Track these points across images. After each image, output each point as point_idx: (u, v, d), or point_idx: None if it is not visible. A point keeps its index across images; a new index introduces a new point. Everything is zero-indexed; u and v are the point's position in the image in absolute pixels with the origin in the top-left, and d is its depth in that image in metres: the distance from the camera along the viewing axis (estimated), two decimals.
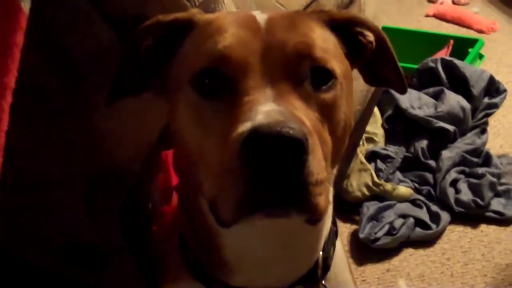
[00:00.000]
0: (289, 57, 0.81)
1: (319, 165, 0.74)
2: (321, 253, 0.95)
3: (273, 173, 0.70)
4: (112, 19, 1.02)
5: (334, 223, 1.00)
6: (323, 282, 0.97)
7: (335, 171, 0.92)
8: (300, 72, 0.81)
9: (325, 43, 0.85)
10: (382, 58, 0.97)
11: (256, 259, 0.90)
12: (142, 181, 1.19)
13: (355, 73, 0.95)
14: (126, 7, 1.02)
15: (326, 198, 0.76)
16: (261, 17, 0.86)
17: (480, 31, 3.46)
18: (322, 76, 0.82)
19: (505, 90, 2.67)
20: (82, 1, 1.00)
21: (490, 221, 2.15)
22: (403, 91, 1.02)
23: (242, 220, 0.75)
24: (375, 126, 2.43)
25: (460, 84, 2.57)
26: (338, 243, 1.02)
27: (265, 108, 0.73)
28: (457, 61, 2.61)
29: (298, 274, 0.93)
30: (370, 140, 2.40)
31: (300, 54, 0.81)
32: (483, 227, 2.14)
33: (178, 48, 0.90)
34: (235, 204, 0.73)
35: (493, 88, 2.65)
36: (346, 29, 0.92)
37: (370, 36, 0.94)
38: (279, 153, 0.69)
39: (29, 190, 1.13)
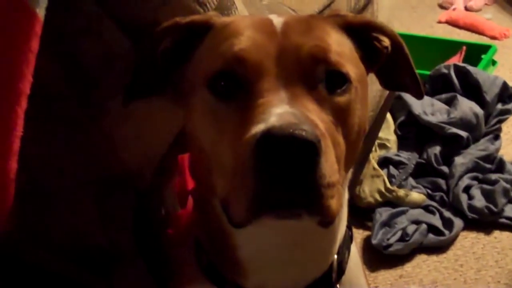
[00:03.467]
0: (304, 61, 0.81)
1: (331, 168, 0.74)
2: (335, 256, 0.95)
3: (285, 174, 0.71)
4: (125, 26, 1.03)
5: (349, 228, 1.00)
6: (337, 286, 0.96)
7: (349, 174, 0.92)
8: (315, 76, 0.81)
9: (340, 47, 0.86)
10: (399, 63, 0.97)
11: (270, 261, 0.90)
12: (155, 186, 1.19)
13: (368, 78, 0.95)
14: (139, 14, 1.02)
15: (338, 201, 0.76)
16: (277, 20, 0.87)
17: (493, 37, 3.45)
18: (337, 79, 0.83)
19: None
20: (95, 8, 1.00)
21: (503, 227, 2.14)
22: (419, 96, 1.02)
23: (254, 221, 0.75)
24: (388, 132, 2.42)
25: (473, 90, 2.56)
26: (353, 248, 1.02)
27: (278, 110, 0.74)
28: (470, 67, 2.60)
29: (312, 277, 0.93)
30: (382, 146, 2.40)
31: (315, 58, 0.82)
32: (496, 233, 2.13)
33: (194, 51, 0.90)
34: (247, 204, 0.74)
35: (506, 94, 2.64)
36: (362, 33, 0.93)
37: (386, 42, 0.94)
38: (291, 154, 0.70)
39: (41, 194, 1.13)
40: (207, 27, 0.91)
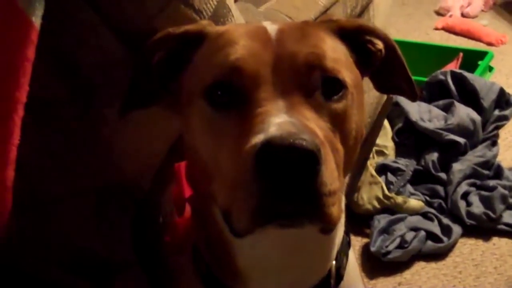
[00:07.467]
0: (300, 68, 0.81)
1: (331, 175, 0.74)
2: (333, 262, 0.95)
3: (287, 184, 0.71)
4: (122, 33, 1.03)
5: (347, 233, 1.00)
6: None
7: (346, 179, 0.92)
8: (311, 83, 0.81)
9: (335, 53, 0.85)
10: (392, 65, 0.97)
11: (269, 268, 0.90)
12: (152, 194, 1.19)
13: (365, 85, 0.95)
14: (135, 21, 1.02)
15: (339, 207, 0.76)
16: (271, 28, 0.86)
17: (489, 44, 3.46)
18: (333, 86, 0.82)
19: None
20: (92, 16, 1.00)
21: (502, 233, 2.14)
22: (414, 99, 1.02)
23: (256, 231, 0.75)
24: (385, 139, 2.43)
25: (470, 96, 2.56)
26: (351, 254, 1.02)
27: (277, 120, 0.74)
28: (466, 74, 2.60)
29: (310, 283, 0.93)
30: (380, 153, 2.40)
31: (311, 65, 0.81)
32: (495, 240, 2.13)
33: (189, 61, 0.90)
34: (249, 215, 0.73)
35: (503, 100, 2.65)
36: (355, 37, 0.92)
37: (379, 45, 0.94)
38: (292, 164, 0.70)
39: (39, 204, 1.13)
40: (201, 37, 0.90)
